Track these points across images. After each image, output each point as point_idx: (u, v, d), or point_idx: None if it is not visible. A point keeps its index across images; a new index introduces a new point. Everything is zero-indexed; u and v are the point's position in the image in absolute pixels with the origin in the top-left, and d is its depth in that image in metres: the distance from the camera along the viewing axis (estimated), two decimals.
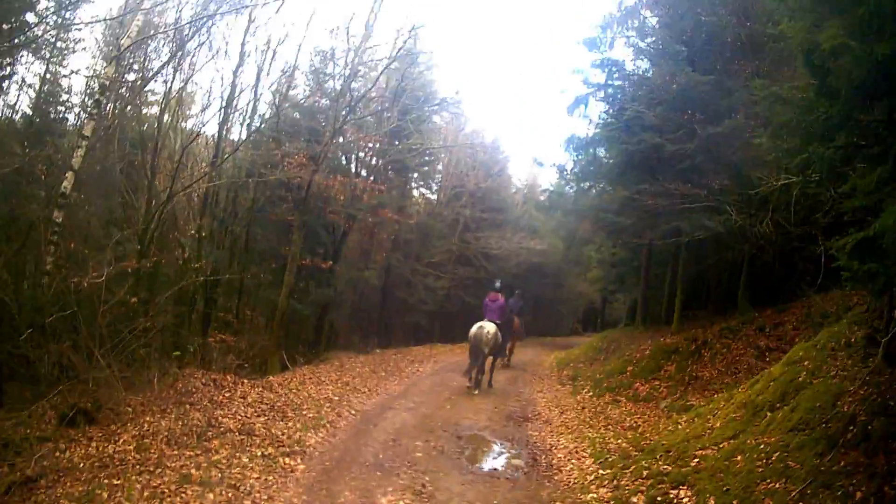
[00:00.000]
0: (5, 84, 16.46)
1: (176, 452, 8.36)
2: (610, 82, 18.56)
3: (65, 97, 19.83)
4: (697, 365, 14.07)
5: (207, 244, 19.41)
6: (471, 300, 31.78)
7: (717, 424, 8.45)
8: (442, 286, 30.11)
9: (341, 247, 21.59)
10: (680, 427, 9.60)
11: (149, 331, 12.84)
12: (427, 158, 31.06)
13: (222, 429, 9.59)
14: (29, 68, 18.12)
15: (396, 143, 23.80)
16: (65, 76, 19.03)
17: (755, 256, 16.05)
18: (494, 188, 34.68)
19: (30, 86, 18.51)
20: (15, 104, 18.86)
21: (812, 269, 13.18)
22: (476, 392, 14.36)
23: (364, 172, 23.05)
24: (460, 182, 32.38)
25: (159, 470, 7.67)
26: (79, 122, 17.59)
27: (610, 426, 11.58)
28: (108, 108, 16.79)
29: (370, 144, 21.73)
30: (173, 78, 17.04)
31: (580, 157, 21.14)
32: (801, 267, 15.37)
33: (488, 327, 14.22)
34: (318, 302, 20.60)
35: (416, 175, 32.69)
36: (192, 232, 18.61)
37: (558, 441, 10.53)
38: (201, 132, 19.59)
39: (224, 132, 18.93)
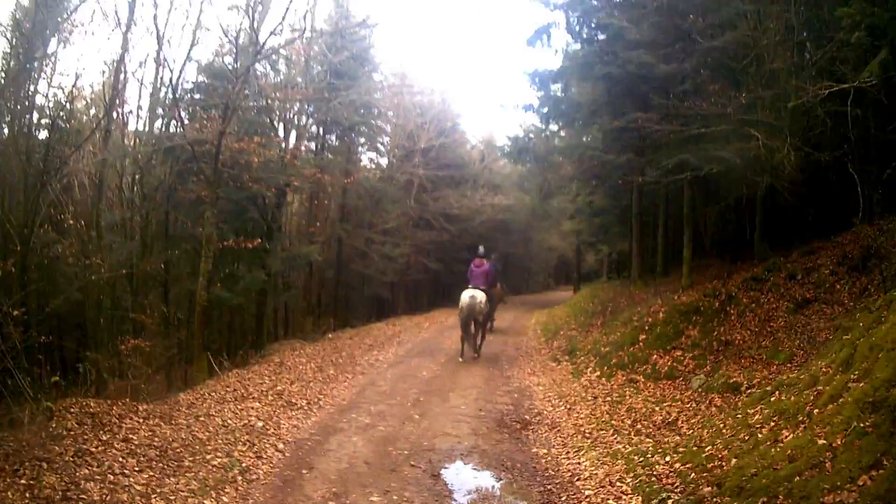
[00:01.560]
0: None
1: None
2: None
3: None
4: (725, 326, 11.36)
5: (113, 234, 15.98)
6: (435, 266, 29.22)
7: (825, 433, 5.27)
8: (401, 253, 27.48)
9: (274, 222, 17.98)
10: (755, 431, 6.37)
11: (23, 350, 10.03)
12: (372, 122, 28.09)
13: (81, 502, 6.21)
14: None
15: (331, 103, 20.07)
16: None
17: (772, 191, 13.36)
18: (449, 145, 32.41)
19: None
20: None
21: (843, 201, 11.93)
22: (476, 356, 14.47)
23: (294, 136, 19.31)
24: (410, 142, 29.62)
25: None
26: None
27: (640, 426, 8.45)
28: None
29: (296, 104, 18.08)
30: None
31: (548, 93, 17.92)
32: (825, 200, 13.32)
33: (480, 296, 13.87)
34: (252, 287, 17.00)
35: (362, 140, 29.33)
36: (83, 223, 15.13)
37: (579, 463, 7.34)
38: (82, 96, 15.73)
39: (116, 100, 15.37)
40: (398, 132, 28.98)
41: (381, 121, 29.08)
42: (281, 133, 19.79)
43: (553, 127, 19.04)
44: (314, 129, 24.05)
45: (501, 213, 33.59)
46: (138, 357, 14.64)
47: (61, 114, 15.15)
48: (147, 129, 17.50)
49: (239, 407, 10.06)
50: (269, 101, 17.12)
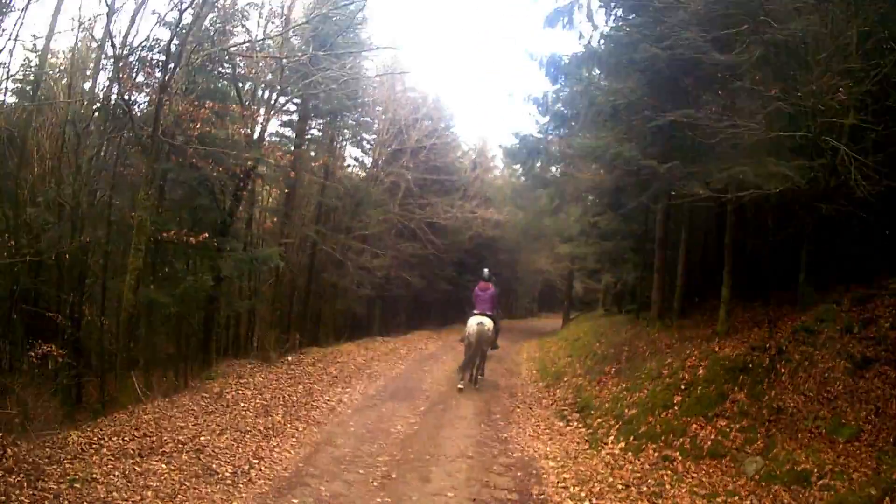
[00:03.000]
0: None
1: None
2: None
3: None
4: (776, 389, 9.03)
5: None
6: (417, 282, 26.23)
7: None
8: (381, 265, 24.44)
9: (231, 216, 14.79)
10: None
11: None
12: (360, 111, 25.01)
13: None
14: None
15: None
16: None
17: (827, 221, 10.83)
18: (440, 148, 29.69)
19: None
20: None
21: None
22: (477, 387, 13.53)
23: (264, 113, 16.04)
24: (399, 141, 26.59)
25: None
26: None
27: None
28: None
29: (268, 75, 15.00)
30: None
31: (566, 84, 15.09)
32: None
33: (488, 323, 13.24)
34: (195, 294, 13.73)
35: (346, 134, 26.30)
36: None
37: None
38: None
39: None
40: (386, 128, 25.93)
41: (368, 114, 26.14)
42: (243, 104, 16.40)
43: (570, 123, 15.89)
44: (290, 109, 21.00)
45: (491, 230, 30.81)
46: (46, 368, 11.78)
47: None
48: (91, 87, 14.37)
49: (137, 469, 7.09)
50: (236, 67, 13.98)
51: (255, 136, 14.16)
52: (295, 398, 11.37)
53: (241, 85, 14.76)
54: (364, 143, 27.86)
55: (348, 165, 28.35)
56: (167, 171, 13.44)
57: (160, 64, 11.46)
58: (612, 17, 13.47)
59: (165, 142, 11.37)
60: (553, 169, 32.72)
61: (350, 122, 25.03)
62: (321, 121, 23.31)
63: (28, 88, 14.77)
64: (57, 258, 13.01)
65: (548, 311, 47.49)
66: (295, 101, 19.73)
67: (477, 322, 13.14)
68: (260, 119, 14.39)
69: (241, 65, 14.34)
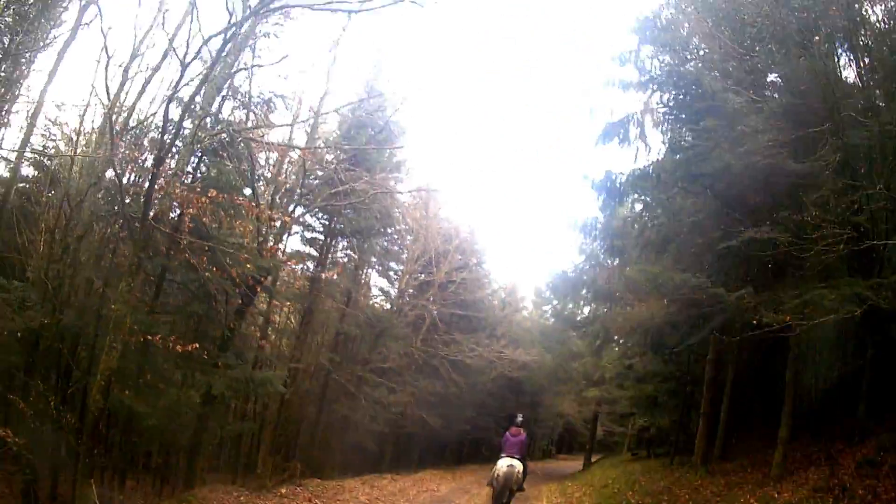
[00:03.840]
0: None
1: None
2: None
3: None
4: None
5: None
6: (435, 421, 24.26)
7: None
8: (397, 401, 22.75)
9: (232, 329, 13.39)
10: None
11: None
12: (390, 233, 24.14)
13: None
14: None
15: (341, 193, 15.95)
16: None
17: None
18: (469, 284, 28.28)
19: None
20: None
21: None
22: None
23: (280, 223, 14.85)
24: (427, 273, 25.73)
25: None
26: None
27: None
28: None
29: (288, 165, 14.04)
30: None
31: (618, 205, 14.12)
32: None
33: (518, 466, 12.97)
34: (179, 409, 12.10)
35: (373, 260, 25.32)
36: None
37: None
38: None
39: None
40: (415, 257, 25.02)
41: (397, 243, 25.34)
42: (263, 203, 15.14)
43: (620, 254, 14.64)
44: (315, 227, 20.17)
45: (517, 371, 28.89)
46: None
47: None
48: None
49: None
50: (254, 160, 12.98)
51: (270, 244, 12.99)
52: None
53: (258, 184, 13.75)
54: (391, 273, 27.04)
55: (373, 295, 27.23)
56: (164, 268, 12.27)
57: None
58: (672, 130, 12.53)
59: (156, 228, 10.22)
60: (586, 310, 31.71)
61: (377, 247, 24.11)
62: (347, 241, 22.39)
63: (46, 161, 14.02)
64: (33, 339, 11.67)
65: (566, 452, 45.78)
66: (321, 219, 19.00)
67: (508, 464, 12.87)
68: (276, 224, 13.21)
69: (262, 164, 13.52)
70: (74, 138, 13.73)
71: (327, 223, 20.23)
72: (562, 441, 47.19)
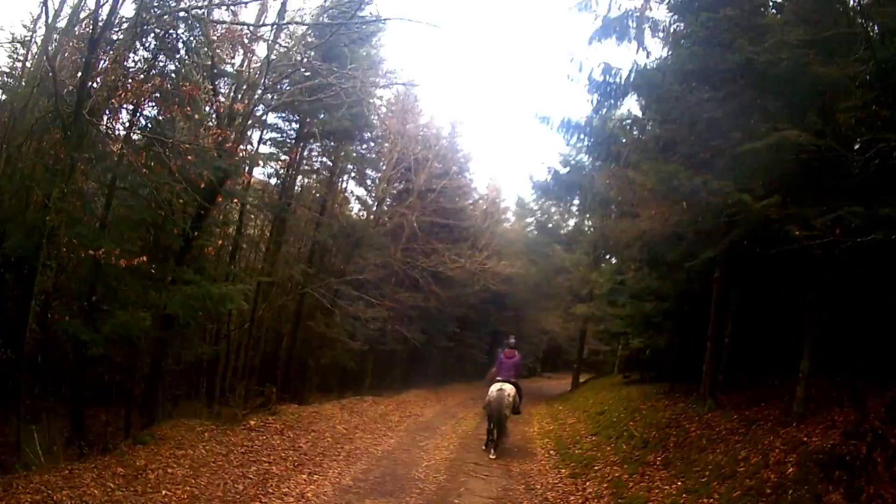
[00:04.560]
0: None
1: None
2: None
3: None
4: (876, 484, 6.88)
5: None
6: (416, 337, 23.25)
7: None
8: (375, 316, 21.14)
9: (190, 240, 11.68)
10: None
11: None
12: (367, 136, 22.16)
13: None
14: None
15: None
16: None
17: None
18: (451, 193, 26.91)
19: None
20: None
21: None
22: (493, 456, 12.53)
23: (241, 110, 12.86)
24: (405, 179, 24.58)
25: None
26: None
27: None
28: None
29: (246, 44, 11.93)
30: None
31: (616, 106, 12.45)
32: None
33: (508, 389, 13.03)
34: (130, 332, 10.54)
35: (349, 166, 23.53)
36: None
37: None
38: None
39: None
40: (393, 164, 23.29)
41: (375, 150, 23.50)
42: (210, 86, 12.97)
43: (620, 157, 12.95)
44: (283, 126, 18.35)
45: (500, 284, 27.91)
46: None
47: None
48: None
49: None
50: (213, 55, 11.01)
51: (230, 143, 11.20)
52: (240, 487, 8.29)
53: (219, 81, 11.87)
54: (368, 181, 25.16)
55: (350, 204, 25.62)
56: (113, 174, 10.56)
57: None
58: (683, 21, 10.77)
59: (91, 123, 8.48)
60: (571, 223, 30.42)
61: (353, 154, 22.28)
62: (320, 146, 20.60)
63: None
64: None
65: (550, 371, 44.71)
66: (292, 119, 17.17)
67: (497, 388, 12.94)
68: (238, 120, 11.39)
69: (227, 59, 11.59)
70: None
71: (298, 126, 18.36)
72: (546, 358, 46.43)
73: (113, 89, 8.68)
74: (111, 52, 8.86)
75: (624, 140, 12.60)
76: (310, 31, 13.64)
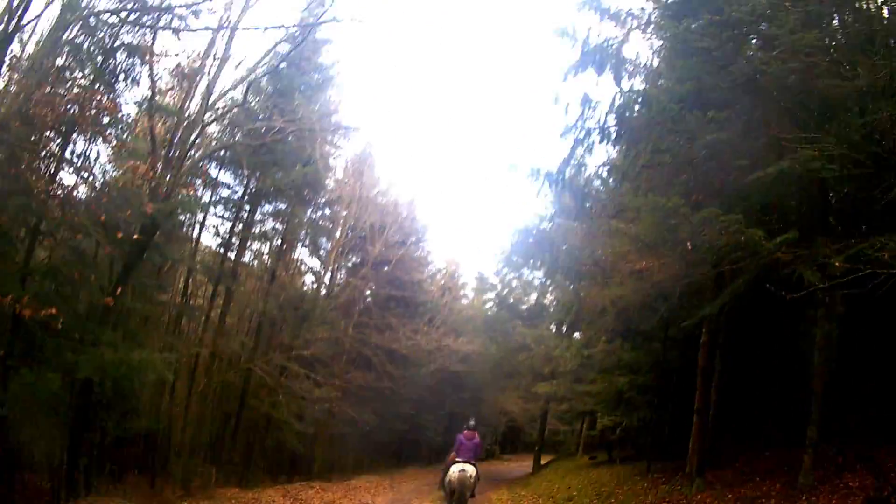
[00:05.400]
0: None
1: None
2: None
3: None
4: None
5: None
6: (368, 419, 21.60)
7: None
8: (325, 397, 19.89)
9: (113, 294, 9.99)
10: None
11: None
12: (319, 213, 21.76)
13: None
14: None
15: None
16: None
17: None
18: (408, 265, 26.09)
19: None
20: None
21: None
22: None
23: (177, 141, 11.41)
24: (361, 249, 23.66)
25: None
26: None
27: None
28: None
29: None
30: None
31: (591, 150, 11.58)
32: None
33: (470, 470, 12.84)
34: (39, 395, 8.70)
35: (301, 233, 22.22)
36: None
37: None
38: None
39: None
40: (346, 232, 22.19)
41: (329, 219, 22.40)
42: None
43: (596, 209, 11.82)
44: (232, 185, 17.17)
45: (458, 364, 26.83)
46: None
47: None
48: None
49: None
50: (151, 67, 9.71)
51: (167, 185, 9.86)
52: None
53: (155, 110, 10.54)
54: (321, 250, 23.90)
55: (301, 273, 24.27)
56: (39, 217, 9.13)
57: None
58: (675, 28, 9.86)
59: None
60: (532, 297, 29.49)
61: (306, 219, 21.12)
62: (271, 207, 19.38)
63: None
64: None
65: (510, 452, 43.35)
66: (239, 174, 16.00)
67: (460, 469, 12.79)
68: (175, 151, 10.09)
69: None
70: None
71: (247, 181, 17.13)
72: (505, 440, 45.26)
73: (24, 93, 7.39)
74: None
75: (602, 188, 11.67)
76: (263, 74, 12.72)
